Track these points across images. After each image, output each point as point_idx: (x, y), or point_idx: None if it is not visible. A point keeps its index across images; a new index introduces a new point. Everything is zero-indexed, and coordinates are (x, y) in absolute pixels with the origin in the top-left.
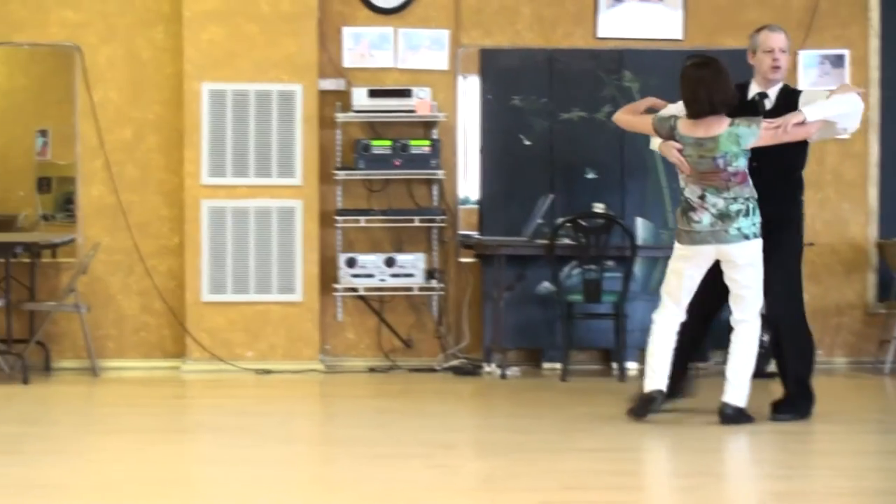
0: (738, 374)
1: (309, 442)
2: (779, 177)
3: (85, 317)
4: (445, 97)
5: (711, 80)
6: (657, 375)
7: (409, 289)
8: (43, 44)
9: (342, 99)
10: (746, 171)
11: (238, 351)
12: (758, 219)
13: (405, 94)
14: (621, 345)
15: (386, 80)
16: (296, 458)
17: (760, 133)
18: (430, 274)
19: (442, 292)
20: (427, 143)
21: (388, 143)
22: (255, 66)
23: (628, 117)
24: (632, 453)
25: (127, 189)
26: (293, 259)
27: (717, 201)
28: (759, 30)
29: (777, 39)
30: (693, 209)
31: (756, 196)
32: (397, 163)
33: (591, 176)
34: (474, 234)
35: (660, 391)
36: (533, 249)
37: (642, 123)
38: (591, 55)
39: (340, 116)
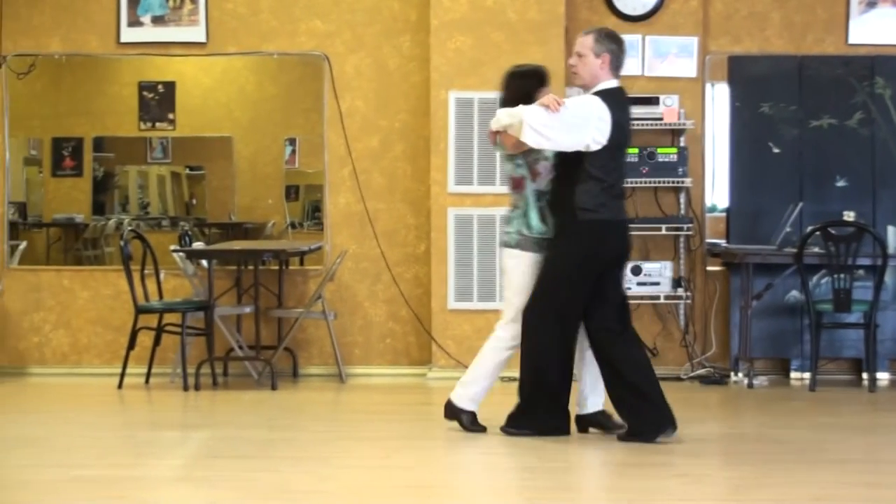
0: (467, 376)
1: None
2: (555, 191)
3: (332, 324)
4: (693, 105)
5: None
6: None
7: (656, 297)
8: (292, 53)
9: None
10: (519, 176)
11: None
12: (513, 228)
13: (652, 101)
14: (872, 355)
15: (633, 87)
16: (543, 466)
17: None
18: (676, 282)
19: (689, 301)
20: (674, 150)
21: (634, 150)
22: (502, 74)
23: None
24: (888, 465)
25: (374, 197)
26: None
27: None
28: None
29: (576, 44)
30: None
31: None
32: (644, 170)
33: (841, 184)
34: (721, 242)
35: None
36: (781, 258)
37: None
38: (843, 62)
39: None
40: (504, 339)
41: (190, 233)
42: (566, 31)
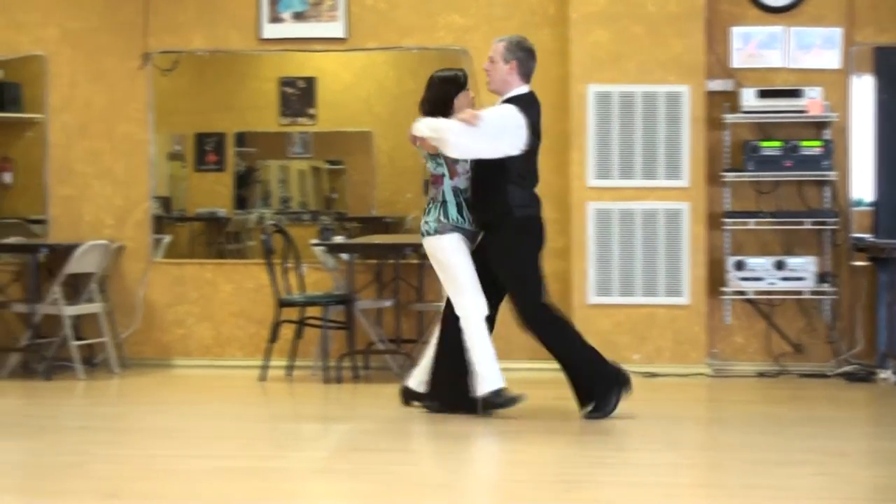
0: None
1: (695, 446)
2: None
3: None
4: (837, 97)
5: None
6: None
7: (800, 292)
8: (431, 48)
9: (730, 100)
10: (438, 174)
11: (625, 353)
12: (432, 217)
13: (796, 94)
14: None
15: (775, 80)
16: (681, 462)
17: None
18: (821, 277)
19: (834, 296)
20: (819, 143)
21: (778, 144)
22: (641, 67)
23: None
24: None
25: None
26: (680, 261)
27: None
28: None
29: (490, 49)
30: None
31: (442, 199)
32: (788, 164)
33: None
34: (868, 236)
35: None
36: None
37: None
38: None
39: (729, 117)
40: (463, 317)
41: (330, 227)
42: (707, 24)
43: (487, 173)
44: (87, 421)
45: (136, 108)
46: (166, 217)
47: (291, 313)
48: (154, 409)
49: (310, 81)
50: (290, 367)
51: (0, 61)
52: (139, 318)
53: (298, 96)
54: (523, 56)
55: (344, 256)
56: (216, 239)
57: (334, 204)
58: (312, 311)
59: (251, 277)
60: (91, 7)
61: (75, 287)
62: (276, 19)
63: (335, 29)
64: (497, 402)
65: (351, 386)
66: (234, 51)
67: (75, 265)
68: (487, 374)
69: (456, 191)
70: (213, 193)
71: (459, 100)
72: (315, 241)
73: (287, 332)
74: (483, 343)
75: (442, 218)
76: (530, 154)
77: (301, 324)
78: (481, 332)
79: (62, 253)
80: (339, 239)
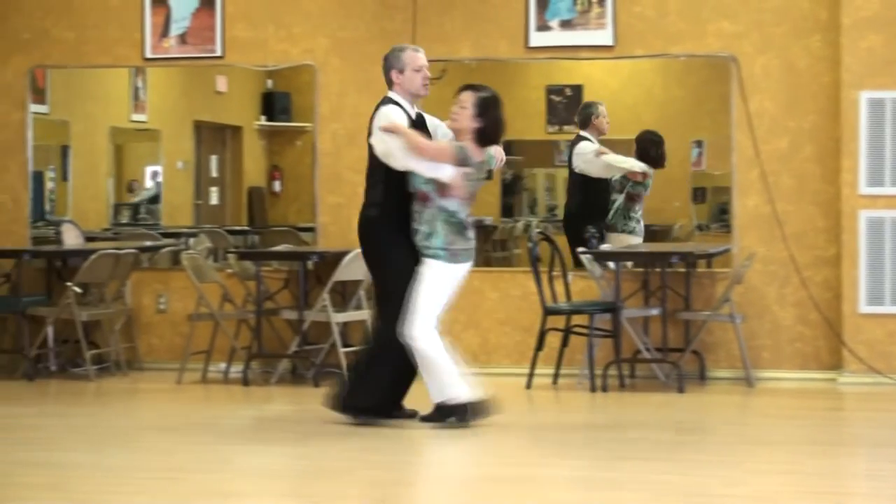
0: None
1: None
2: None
3: (740, 327)
4: None
5: (502, 109)
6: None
7: None
8: (699, 55)
9: None
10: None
11: None
12: None
13: None
14: None
15: None
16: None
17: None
18: None
19: None
20: None
21: None
22: None
23: (429, 144)
24: None
25: (782, 199)
26: None
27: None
28: (402, 49)
29: (426, 59)
30: (466, 227)
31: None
32: None
33: None
34: None
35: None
36: None
37: (442, 152)
38: None
39: None
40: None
41: (597, 235)
42: None
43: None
44: (356, 427)
45: None
46: None
47: (557, 321)
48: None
49: (577, 89)
50: (555, 375)
51: (270, 71)
52: None
53: (565, 104)
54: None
55: (610, 265)
56: (483, 247)
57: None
58: (578, 320)
59: (517, 285)
60: (360, 17)
61: (343, 294)
62: (543, 27)
63: (603, 36)
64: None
65: (616, 394)
66: (501, 59)
67: (344, 272)
68: (454, 384)
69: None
70: (479, 201)
71: None
72: (582, 249)
73: (553, 339)
74: (442, 359)
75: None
76: None
77: (567, 332)
78: (438, 346)
79: (331, 260)
80: (605, 247)
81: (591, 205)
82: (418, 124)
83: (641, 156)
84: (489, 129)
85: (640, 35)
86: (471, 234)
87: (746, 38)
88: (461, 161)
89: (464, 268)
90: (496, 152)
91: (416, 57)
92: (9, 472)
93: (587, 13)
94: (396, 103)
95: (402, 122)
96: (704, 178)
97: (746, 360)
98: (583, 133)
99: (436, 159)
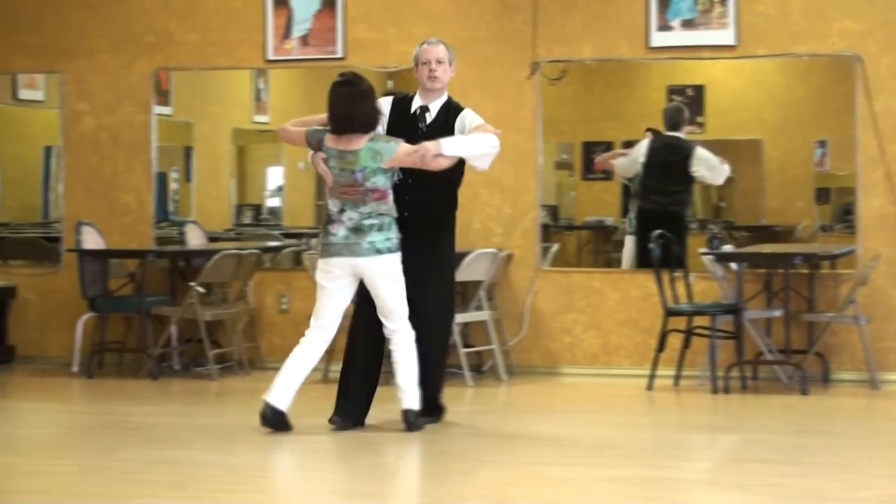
0: (408, 380)
1: None
2: (437, 192)
3: (864, 328)
4: None
5: (351, 99)
6: (281, 393)
7: None
8: (822, 54)
9: None
10: (387, 188)
11: None
12: (393, 234)
13: None
14: None
15: None
16: None
17: (397, 152)
18: None
19: None
20: None
21: None
22: None
23: (290, 128)
24: None
25: None
26: None
27: (353, 215)
28: (421, 44)
29: (434, 52)
30: (332, 222)
31: (396, 214)
32: None
33: None
34: None
35: (277, 409)
36: None
37: (297, 136)
38: None
39: None
40: (408, 336)
41: (719, 236)
42: None
43: (451, 177)
44: (475, 427)
45: (524, 117)
46: (554, 226)
47: (679, 322)
48: (542, 417)
49: (698, 89)
50: (677, 377)
51: (391, 72)
52: (526, 325)
53: (687, 104)
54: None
55: (733, 266)
56: (603, 247)
57: (722, 213)
58: (700, 321)
59: (638, 286)
60: (480, 18)
61: (464, 294)
62: (664, 27)
63: (725, 36)
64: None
65: (739, 396)
66: (622, 59)
67: (464, 273)
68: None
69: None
70: (600, 202)
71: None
72: (704, 249)
73: (674, 341)
74: (416, 362)
75: (397, 235)
76: None
77: (689, 333)
78: (415, 351)
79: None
80: (727, 248)
81: (691, 205)
82: (415, 117)
83: None
84: (330, 115)
85: (763, 34)
86: (334, 228)
87: (871, 37)
88: (312, 145)
89: (330, 263)
90: (445, 145)
91: (424, 50)
92: (133, 470)
93: (709, 13)
94: (395, 94)
95: (385, 109)
96: (828, 178)
97: (871, 362)
98: (678, 135)
99: (289, 142)
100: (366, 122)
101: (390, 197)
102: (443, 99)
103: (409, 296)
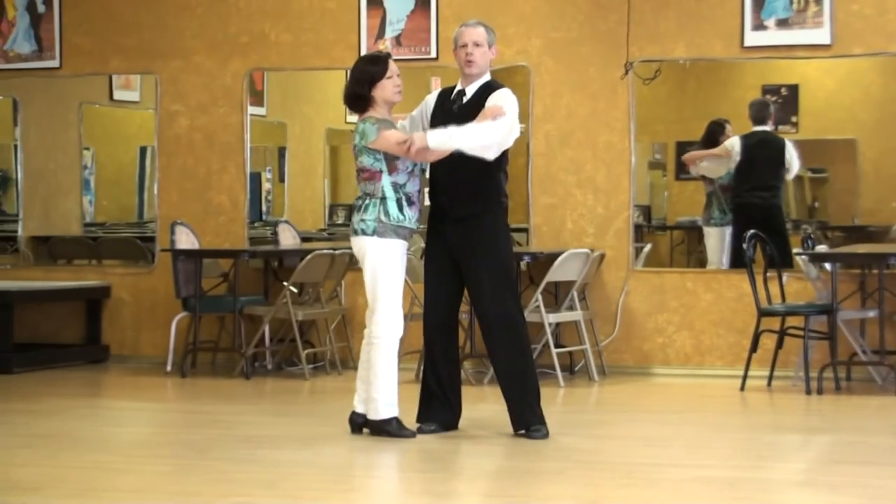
0: (374, 387)
1: None
2: (471, 175)
3: None
4: None
5: (350, 76)
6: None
7: None
8: None
9: None
10: (376, 169)
11: None
12: (372, 216)
13: None
14: None
15: None
16: None
17: (379, 136)
18: None
19: None
20: None
21: None
22: None
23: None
24: None
25: None
26: None
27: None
28: (459, 25)
29: (470, 34)
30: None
31: (382, 195)
32: None
33: None
34: None
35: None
36: None
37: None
38: None
39: None
40: (377, 334)
41: (813, 236)
42: None
43: (481, 162)
44: (567, 428)
45: (617, 117)
46: (646, 226)
47: (772, 323)
48: (634, 417)
49: (792, 89)
50: (770, 377)
51: None
52: (618, 325)
53: (781, 104)
54: (493, 39)
55: (826, 266)
56: (696, 248)
57: (816, 213)
58: (793, 321)
59: (731, 286)
60: (573, 17)
61: (556, 294)
62: (759, 26)
63: (820, 35)
64: (389, 430)
65: (832, 397)
66: (716, 59)
67: (557, 273)
68: (389, 400)
69: (395, 186)
70: (693, 202)
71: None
72: (798, 250)
73: (767, 341)
74: (393, 367)
75: (382, 217)
76: None
77: (782, 334)
78: (393, 356)
79: (544, 261)
80: (822, 248)
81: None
82: (453, 102)
83: (709, 142)
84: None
85: (859, 33)
86: None
87: None
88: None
89: None
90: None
91: (461, 32)
92: (226, 469)
93: (804, 12)
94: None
95: (430, 102)
96: None
97: None
98: (767, 129)
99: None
100: (350, 102)
101: (383, 179)
102: (482, 80)
103: (476, 311)
